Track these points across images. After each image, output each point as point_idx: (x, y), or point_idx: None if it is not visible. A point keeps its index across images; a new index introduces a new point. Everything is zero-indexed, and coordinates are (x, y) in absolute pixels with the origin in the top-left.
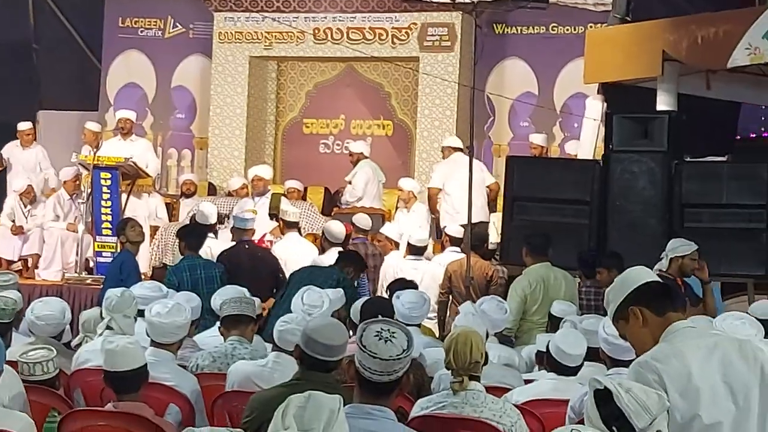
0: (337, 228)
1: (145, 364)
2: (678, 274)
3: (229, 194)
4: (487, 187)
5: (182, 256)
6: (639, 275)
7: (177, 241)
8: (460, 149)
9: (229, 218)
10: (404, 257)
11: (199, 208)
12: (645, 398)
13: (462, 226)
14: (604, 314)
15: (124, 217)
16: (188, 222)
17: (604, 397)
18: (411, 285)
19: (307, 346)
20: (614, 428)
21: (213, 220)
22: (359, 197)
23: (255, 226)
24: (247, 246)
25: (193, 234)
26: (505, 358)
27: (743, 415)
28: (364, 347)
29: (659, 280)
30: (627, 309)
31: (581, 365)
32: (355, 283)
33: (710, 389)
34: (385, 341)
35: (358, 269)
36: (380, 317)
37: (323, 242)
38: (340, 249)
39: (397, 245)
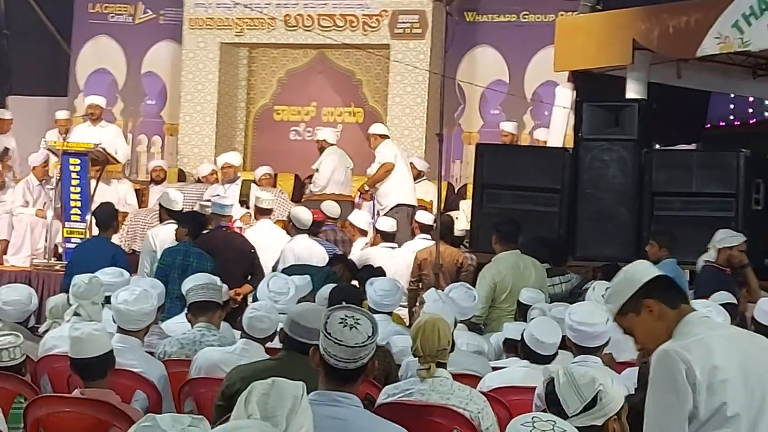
0: (304, 214)
1: (111, 351)
2: (726, 264)
3: (199, 181)
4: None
5: (177, 241)
6: (647, 269)
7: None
8: (388, 136)
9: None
10: (377, 245)
11: (165, 192)
12: (581, 381)
13: (426, 209)
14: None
15: (106, 203)
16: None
17: (552, 385)
18: (379, 272)
19: (289, 328)
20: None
21: (178, 207)
22: (323, 186)
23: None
24: (223, 231)
25: (193, 222)
26: (474, 345)
27: (759, 408)
28: (329, 334)
29: (664, 274)
30: (639, 302)
31: (555, 354)
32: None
33: (733, 380)
34: (350, 328)
35: (347, 270)
36: (344, 304)
37: (291, 228)
38: (307, 235)
39: (363, 233)
